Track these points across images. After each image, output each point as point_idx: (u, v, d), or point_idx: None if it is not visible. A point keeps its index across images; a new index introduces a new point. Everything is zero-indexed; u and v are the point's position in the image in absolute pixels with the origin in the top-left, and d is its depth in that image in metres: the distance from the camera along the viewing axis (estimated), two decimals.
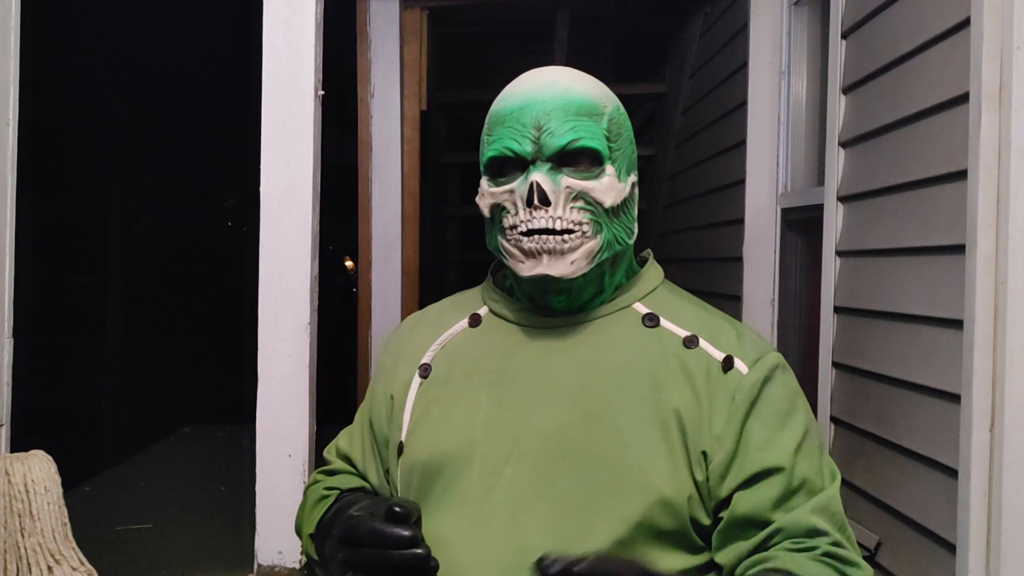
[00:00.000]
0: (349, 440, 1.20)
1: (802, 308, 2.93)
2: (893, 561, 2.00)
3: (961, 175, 1.70)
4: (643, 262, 1.17)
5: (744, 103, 3.07)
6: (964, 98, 1.70)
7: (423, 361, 1.13)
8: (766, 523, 0.97)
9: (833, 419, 2.36)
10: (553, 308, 1.09)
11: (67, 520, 2.21)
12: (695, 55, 4.16)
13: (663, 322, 1.07)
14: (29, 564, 2.11)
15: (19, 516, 2.12)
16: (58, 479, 2.22)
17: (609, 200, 1.04)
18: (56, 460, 2.25)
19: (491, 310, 1.14)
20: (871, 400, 2.14)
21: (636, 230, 1.09)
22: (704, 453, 0.99)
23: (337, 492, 1.14)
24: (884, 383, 2.08)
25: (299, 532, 1.16)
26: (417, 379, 1.12)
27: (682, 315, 1.08)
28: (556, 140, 1.02)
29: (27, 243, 2.44)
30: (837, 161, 2.35)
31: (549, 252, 1.02)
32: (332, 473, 1.20)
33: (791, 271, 2.98)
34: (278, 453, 2.40)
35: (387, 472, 1.13)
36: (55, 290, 10.95)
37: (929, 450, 1.84)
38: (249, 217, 2.68)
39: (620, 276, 1.11)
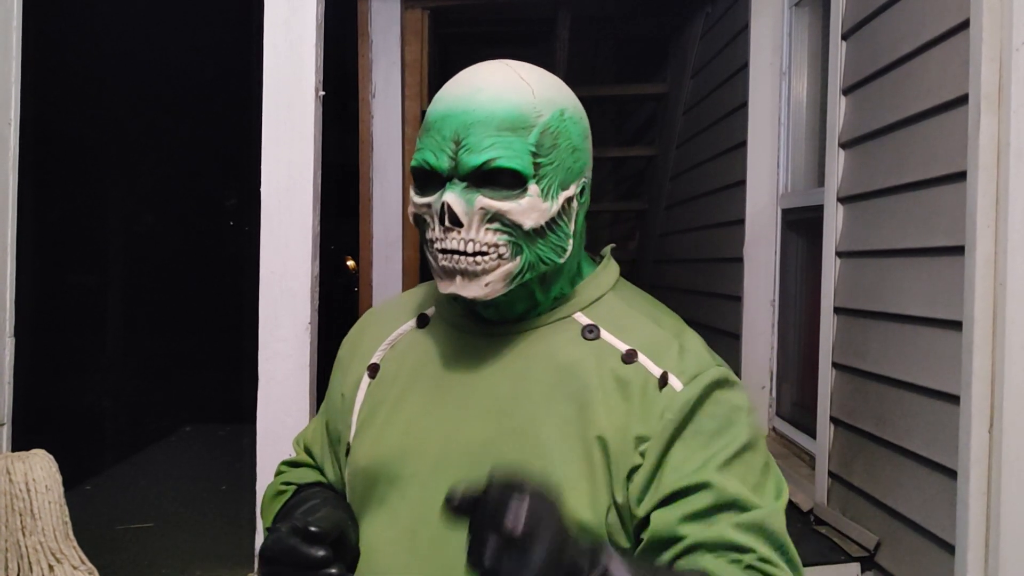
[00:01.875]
0: (312, 433, 1.20)
1: (802, 309, 2.93)
2: (892, 561, 2.01)
3: (960, 176, 1.70)
4: (604, 259, 1.11)
5: (745, 104, 3.08)
6: (963, 99, 1.70)
7: (372, 361, 1.11)
8: (682, 539, 0.92)
9: (833, 419, 2.37)
10: (487, 318, 1.06)
11: (68, 519, 2.21)
12: (696, 56, 4.16)
13: (604, 334, 1.02)
14: (30, 563, 2.11)
15: (20, 515, 2.12)
16: (59, 478, 2.22)
17: (529, 222, 0.97)
18: (57, 459, 2.25)
19: (438, 311, 1.12)
20: (871, 400, 2.15)
21: (571, 247, 1.02)
22: (632, 471, 0.95)
23: (294, 487, 1.14)
24: (884, 384, 2.08)
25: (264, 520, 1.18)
26: (366, 379, 1.10)
27: (626, 326, 1.02)
28: (471, 159, 0.96)
29: (28, 243, 2.44)
30: (837, 162, 2.35)
31: (462, 273, 0.98)
32: (296, 464, 1.20)
33: (791, 272, 2.98)
34: (278, 452, 2.39)
35: (343, 469, 1.13)
36: (56, 290, 10.94)
37: (928, 451, 1.85)
38: (250, 217, 2.68)
39: (561, 287, 1.05)
